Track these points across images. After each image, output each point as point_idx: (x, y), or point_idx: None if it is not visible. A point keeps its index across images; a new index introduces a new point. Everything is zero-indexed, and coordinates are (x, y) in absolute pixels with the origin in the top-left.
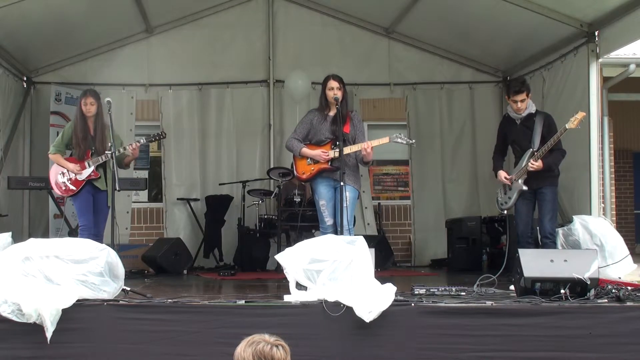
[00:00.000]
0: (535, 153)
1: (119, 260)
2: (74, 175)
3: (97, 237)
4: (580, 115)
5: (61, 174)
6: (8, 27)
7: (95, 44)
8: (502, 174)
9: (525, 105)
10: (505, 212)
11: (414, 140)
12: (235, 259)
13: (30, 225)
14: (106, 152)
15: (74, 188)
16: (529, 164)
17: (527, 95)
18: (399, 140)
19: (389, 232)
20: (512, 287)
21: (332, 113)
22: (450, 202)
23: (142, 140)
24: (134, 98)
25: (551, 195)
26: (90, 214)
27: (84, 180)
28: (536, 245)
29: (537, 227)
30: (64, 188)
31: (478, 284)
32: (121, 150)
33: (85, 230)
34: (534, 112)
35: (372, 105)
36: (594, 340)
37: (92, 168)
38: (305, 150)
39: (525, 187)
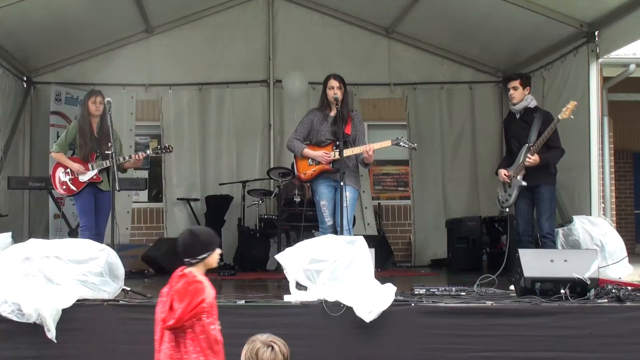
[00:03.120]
0: (531, 147)
1: (119, 260)
2: (76, 175)
3: (99, 236)
4: (571, 104)
5: (64, 173)
6: (8, 27)
7: (95, 44)
8: (502, 171)
9: (517, 95)
10: (507, 210)
11: (415, 144)
12: (235, 259)
13: (30, 225)
14: (106, 152)
15: (74, 188)
16: (526, 158)
17: (521, 85)
18: (402, 144)
19: (389, 232)
20: (512, 287)
21: (332, 113)
22: (450, 202)
23: (148, 152)
24: (134, 98)
25: (547, 194)
26: (91, 214)
27: (85, 182)
28: (537, 244)
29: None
30: (65, 187)
31: (478, 283)
32: (126, 158)
33: (86, 230)
34: (532, 107)
35: (372, 105)
36: (594, 340)
37: (95, 171)
38: (307, 151)
39: (524, 183)
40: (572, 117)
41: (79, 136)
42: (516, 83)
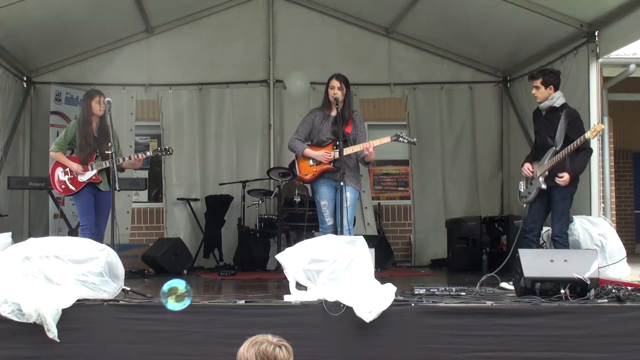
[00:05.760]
0: (558, 152)
1: (119, 260)
2: (75, 175)
3: (98, 236)
4: (599, 127)
5: (62, 172)
6: (8, 27)
7: (95, 44)
8: (526, 165)
9: (540, 95)
10: (525, 205)
11: (415, 139)
12: (235, 259)
13: (30, 225)
14: (106, 152)
15: (73, 188)
16: (557, 180)
17: (543, 85)
18: (401, 139)
19: (389, 232)
20: (502, 285)
21: (333, 113)
22: (450, 202)
23: (147, 153)
24: (134, 98)
25: (560, 196)
26: (91, 214)
27: (84, 182)
28: (537, 245)
29: (544, 227)
30: (63, 187)
31: (480, 283)
32: (125, 159)
33: (86, 230)
34: (558, 106)
35: (372, 105)
36: (594, 340)
37: (95, 172)
38: (308, 151)
39: (544, 186)
40: (597, 138)
41: (80, 137)
42: (538, 82)
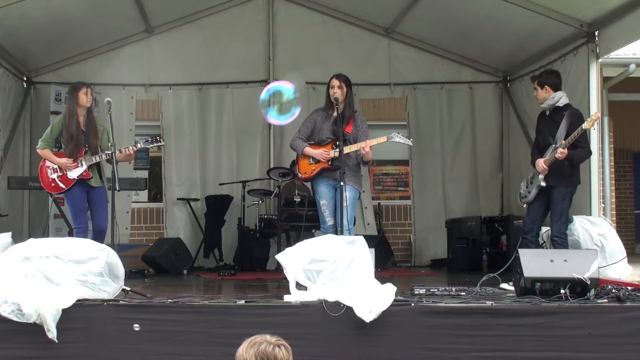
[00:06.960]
0: (556, 148)
1: (118, 260)
2: (64, 172)
3: (101, 233)
4: (595, 116)
5: (52, 170)
6: (8, 27)
7: (95, 44)
8: (540, 160)
9: (539, 96)
10: (525, 206)
11: (412, 140)
12: (235, 259)
13: (30, 225)
14: (106, 152)
15: (63, 186)
16: (557, 153)
17: (539, 86)
18: (397, 139)
19: (389, 232)
20: (502, 285)
21: (335, 113)
22: (450, 202)
23: (139, 145)
24: (134, 98)
25: (560, 196)
26: (84, 215)
27: (74, 179)
28: (536, 246)
29: (542, 227)
30: (53, 185)
31: (480, 283)
32: (117, 152)
33: (80, 233)
34: (561, 106)
35: (372, 105)
36: (594, 340)
37: (85, 168)
38: (308, 150)
39: (543, 184)
40: (594, 128)
41: (65, 130)
42: (534, 84)
